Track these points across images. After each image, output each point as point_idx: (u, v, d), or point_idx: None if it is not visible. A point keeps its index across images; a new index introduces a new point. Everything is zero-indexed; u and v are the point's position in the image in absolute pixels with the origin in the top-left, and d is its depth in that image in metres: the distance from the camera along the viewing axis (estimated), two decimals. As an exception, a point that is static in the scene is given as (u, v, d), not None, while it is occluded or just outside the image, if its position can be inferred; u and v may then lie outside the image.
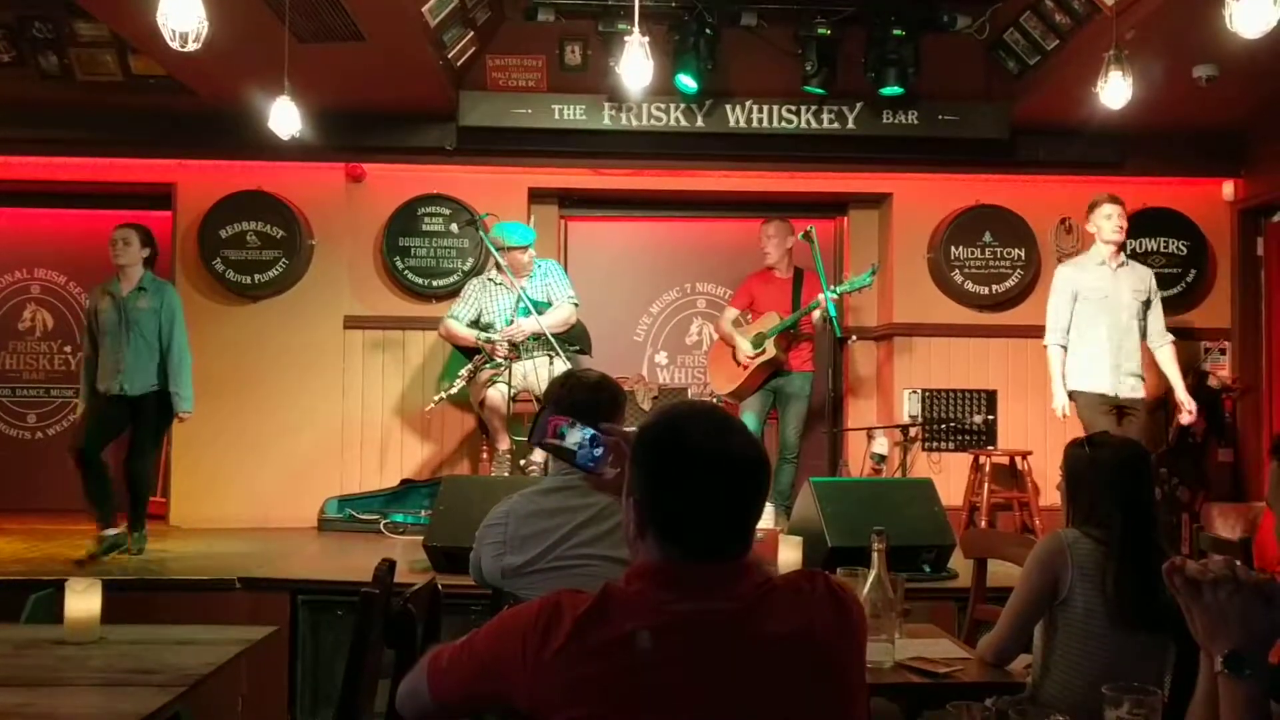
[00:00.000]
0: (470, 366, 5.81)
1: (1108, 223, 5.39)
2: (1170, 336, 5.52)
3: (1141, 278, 5.50)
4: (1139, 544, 2.58)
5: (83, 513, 6.72)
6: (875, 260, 7.01)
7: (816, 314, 6.01)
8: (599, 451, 1.79)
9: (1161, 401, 6.29)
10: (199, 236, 6.49)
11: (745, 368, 6.16)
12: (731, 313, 6.38)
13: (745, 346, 6.15)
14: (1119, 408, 5.35)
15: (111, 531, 5.24)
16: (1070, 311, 5.42)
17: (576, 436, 1.80)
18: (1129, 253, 6.45)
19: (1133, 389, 5.38)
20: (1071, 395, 5.43)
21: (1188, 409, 5.48)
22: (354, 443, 6.59)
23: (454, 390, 5.89)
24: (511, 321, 5.81)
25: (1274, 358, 6.61)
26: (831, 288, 5.92)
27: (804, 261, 6.25)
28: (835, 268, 7.03)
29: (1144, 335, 5.46)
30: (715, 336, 6.88)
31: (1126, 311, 5.39)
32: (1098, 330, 5.37)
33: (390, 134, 6.49)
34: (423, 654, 1.71)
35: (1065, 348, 5.43)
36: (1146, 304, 5.47)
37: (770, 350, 6.07)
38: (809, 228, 5.99)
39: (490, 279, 6.00)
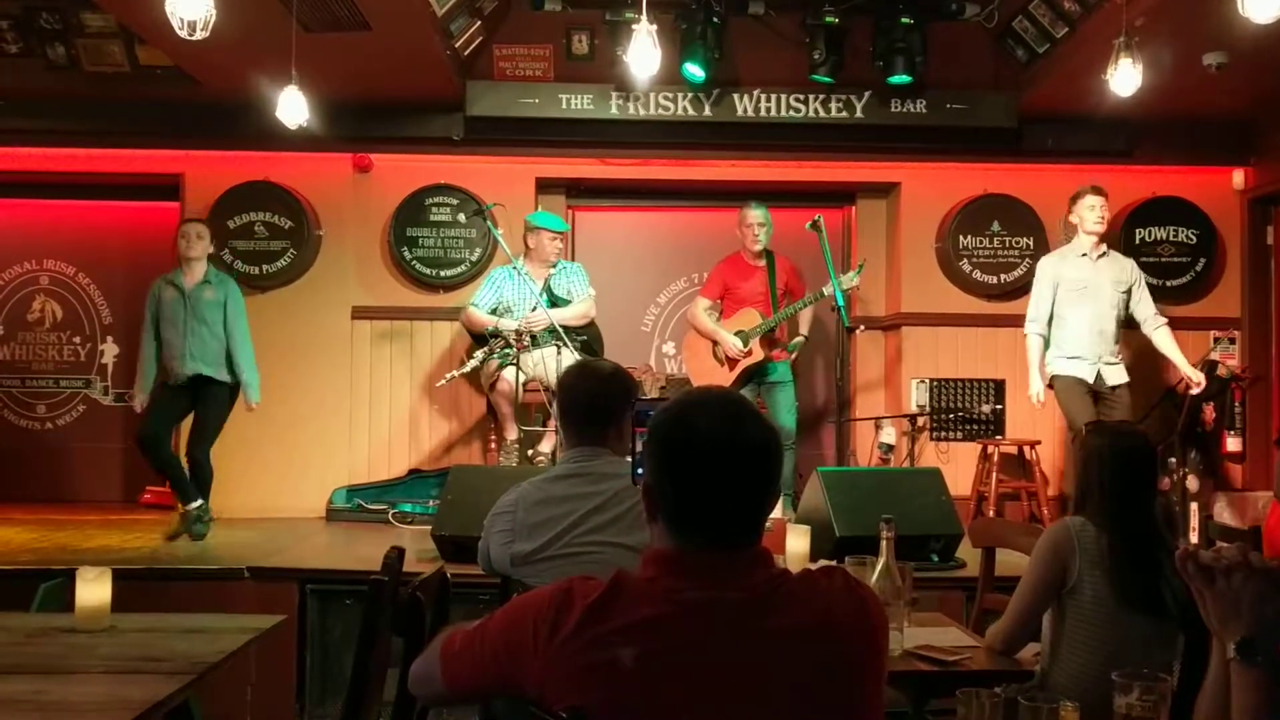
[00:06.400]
0: (484, 350, 5.83)
1: (1090, 214, 5.54)
2: (1163, 319, 5.65)
3: (1123, 267, 5.66)
4: (1137, 532, 2.58)
5: (91, 502, 6.83)
6: (882, 253, 7.01)
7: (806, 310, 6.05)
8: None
9: (1169, 391, 6.29)
10: (207, 227, 6.47)
11: (731, 366, 5.99)
12: (704, 302, 6.21)
13: (734, 342, 5.96)
14: (1097, 393, 5.48)
15: (194, 505, 5.43)
16: (1051, 302, 5.59)
17: None
18: (1136, 242, 6.51)
19: (1112, 377, 5.51)
20: (1052, 380, 5.57)
21: (1196, 381, 5.63)
22: (362, 433, 6.60)
23: (466, 369, 5.89)
24: (535, 309, 5.81)
25: (1284, 347, 6.59)
26: (822, 290, 5.86)
27: (811, 252, 6.21)
28: (843, 258, 7.00)
29: (1129, 324, 5.60)
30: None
31: (1107, 301, 5.53)
32: (1079, 320, 5.51)
33: (397, 124, 6.48)
34: (433, 636, 1.71)
35: (1045, 338, 5.58)
36: (1128, 294, 5.60)
37: (758, 352, 5.96)
38: (816, 217, 5.96)
39: (516, 268, 6.01)
